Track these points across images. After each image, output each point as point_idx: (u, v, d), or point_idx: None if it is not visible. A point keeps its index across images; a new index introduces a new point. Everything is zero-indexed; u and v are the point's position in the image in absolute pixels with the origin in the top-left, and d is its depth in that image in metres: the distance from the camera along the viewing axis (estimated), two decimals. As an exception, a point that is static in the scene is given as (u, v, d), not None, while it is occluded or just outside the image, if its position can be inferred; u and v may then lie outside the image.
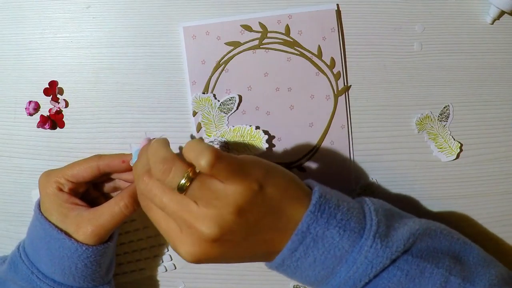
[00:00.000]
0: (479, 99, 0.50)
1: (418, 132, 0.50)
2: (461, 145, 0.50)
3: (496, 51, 0.50)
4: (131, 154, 0.43)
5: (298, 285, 0.52)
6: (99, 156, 0.44)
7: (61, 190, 0.43)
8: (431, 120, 0.50)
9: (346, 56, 0.49)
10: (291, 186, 0.37)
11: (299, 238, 0.35)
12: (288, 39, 0.48)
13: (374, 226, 0.36)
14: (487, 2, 0.48)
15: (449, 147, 0.50)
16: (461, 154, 0.50)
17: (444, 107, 0.50)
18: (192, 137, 0.49)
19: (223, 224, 0.34)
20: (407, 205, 0.51)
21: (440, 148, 0.50)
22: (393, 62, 0.49)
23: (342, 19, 0.48)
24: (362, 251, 0.36)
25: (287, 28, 0.48)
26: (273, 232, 0.36)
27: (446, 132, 0.50)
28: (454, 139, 0.50)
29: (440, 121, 0.50)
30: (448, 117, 0.50)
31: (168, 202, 0.35)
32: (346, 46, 0.49)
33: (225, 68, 0.48)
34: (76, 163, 0.43)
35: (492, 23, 0.49)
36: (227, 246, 0.35)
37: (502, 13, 0.48)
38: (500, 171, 0.51)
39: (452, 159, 0.50)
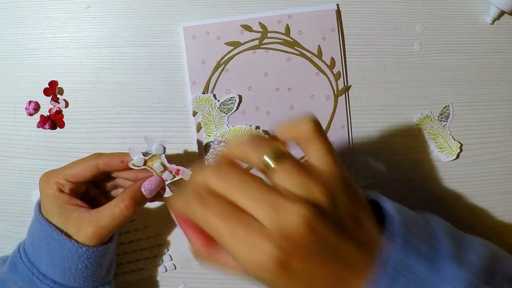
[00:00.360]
0: (479, 99, 0.50)
1: (418, 132, 0.50)
2: (461, 145, 0.50)
3: (496, 51, 0.50)
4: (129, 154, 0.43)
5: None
6: (98, 155, 0.43)
7: (61, 191, 0.42)
8: (431, 120, 0.50)
9: (346, 56, 0.49)
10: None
11: (390, 276, 0.30)
12: (288, 39, 0.48)
13: (451, 252, 0.33)
14: (487, 2, 0.48)
15: (449, 147, 0.50)
16: (461, 154, 0.50)
17: (444, 107, 0.50)
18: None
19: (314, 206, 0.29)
20: (407, 205, 0.50)
21: (440, 148, 0.50)
22: (393, 62, 0.49)
23: (342, 19, 0.48)
24: (446, 279, 0.31)
25: (287, 28, 0.48)
26: (353, 248, 0.30)
27: (446, 132, 0.50)
28: (454, 139, 0.50)
29: (440, 121, 0.50)
30: (448, 117, 0.50)
31: (255, 184, 0.30)
32: (346, 46, 0.49)
33: (225, 68, 0.48)
34: (75, 163, 0.43)
35: (492, 23, 0.49)
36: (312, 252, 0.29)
37: (502, 13, 0.48)
38: (500, 171, 0.51)
39: (452, 159, 0.50)
